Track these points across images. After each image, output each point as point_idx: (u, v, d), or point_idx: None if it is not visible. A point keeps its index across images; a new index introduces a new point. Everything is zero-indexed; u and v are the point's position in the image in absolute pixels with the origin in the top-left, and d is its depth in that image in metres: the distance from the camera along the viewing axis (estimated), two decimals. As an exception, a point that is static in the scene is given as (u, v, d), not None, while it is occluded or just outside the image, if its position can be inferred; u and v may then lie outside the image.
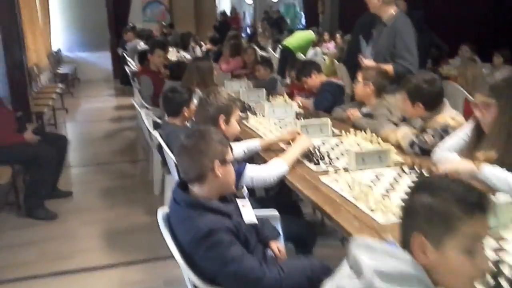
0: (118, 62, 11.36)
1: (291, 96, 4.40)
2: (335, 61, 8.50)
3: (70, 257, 3.30)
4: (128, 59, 8.76)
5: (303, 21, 21.14)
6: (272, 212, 2.33)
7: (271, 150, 2.79)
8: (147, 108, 4.82)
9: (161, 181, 4.33)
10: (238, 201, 1.91)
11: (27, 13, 7.82)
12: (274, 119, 3.61)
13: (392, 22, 3.79)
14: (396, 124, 2.99)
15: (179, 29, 13.48)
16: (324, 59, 8.73)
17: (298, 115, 3.68)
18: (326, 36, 11.07)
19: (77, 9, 12.59)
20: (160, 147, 3.31)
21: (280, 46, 10.23)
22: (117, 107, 8.70)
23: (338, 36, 10.69)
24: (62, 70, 10.54)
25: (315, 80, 4.08)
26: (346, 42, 8.21)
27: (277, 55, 10.42)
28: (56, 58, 10.99)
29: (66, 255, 3.33)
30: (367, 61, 4.01)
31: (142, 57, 5.61)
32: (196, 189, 1.80)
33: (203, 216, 1.70)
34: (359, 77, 3.46)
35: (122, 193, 4.49)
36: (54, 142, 4.12)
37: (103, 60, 12.39)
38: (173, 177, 3.05)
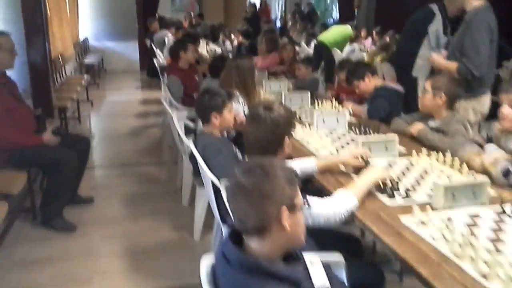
0: (146, 53, 11.00)
1: (338, 100, 3.92)
2: (377, 59, 7.97)
3: (87, 281, 2.90)
4: (157, 51, 8.37)
5: (335, 14, 20.49)
6: (336, 258, 1.86)
7: (330, 173, 2.32)
8: (177, 108, 4.40)
9: (190, 191, 3.92)
10: (306, 256, 1.44)
11: (54, 0, 7.48)
12: (323, 129, 3.12)
13: (470, 15, 3.30)
14: (480, 146, 2.48)
15: (208, 20, 13.06)
16: (363, 57, 8.19)
17: (351, 126, 3.19)
18: (363, 32, 10.48)
19: (105, -3, 12.23)
20: (192, 157, 2.87)
21: (315, 41, 9.73)
22: (143, 101, 8.32)
23: (374, 32, 10.09)
24: (88, 60, 10.23)
25: (369, 84, 3.57)
26: (394, 40, 7.64)
27: (310, 50, 9.93)
28: (83, 47, 10.68)
29: (83, 278, 2.93)
30: (436, 56, 3.51)
31: (175, 53, 5.18)
32: (255, 244, 1.33)
33: (265, 287, 1.24)
34: (428, 85, 2.94)
35: (147, 202, 4.08)
36: (76, 144, 3.72)
37: (130, 50, 12.04)
38: (212, 204, 2.60)
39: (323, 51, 8.83)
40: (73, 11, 10.04)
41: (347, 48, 8.99)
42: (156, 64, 6.88)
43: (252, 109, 1.90)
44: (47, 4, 6.77)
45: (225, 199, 2.05)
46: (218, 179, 2.40)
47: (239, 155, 2.71)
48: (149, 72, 10.08)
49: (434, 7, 4.76)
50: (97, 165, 5.04)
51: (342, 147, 2.82)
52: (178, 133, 3.46)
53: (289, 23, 14.80)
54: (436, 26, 4.69)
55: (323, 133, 3.06)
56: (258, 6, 17.25)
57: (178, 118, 3.60)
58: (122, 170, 4.90)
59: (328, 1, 24.57)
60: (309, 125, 3.20)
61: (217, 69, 4.20)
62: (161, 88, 9.05)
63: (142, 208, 3.93)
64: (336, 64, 4.58)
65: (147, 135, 6.30)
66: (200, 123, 3.15)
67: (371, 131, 3.03)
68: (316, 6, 20.65)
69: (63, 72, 7.54)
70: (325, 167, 2.33)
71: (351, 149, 2.54)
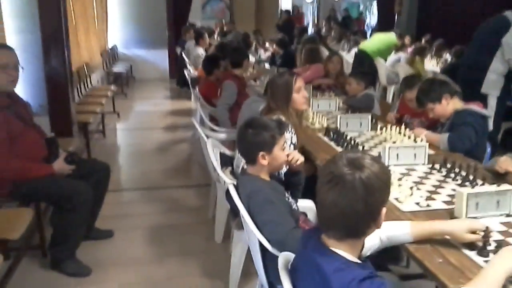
0: (175, 62, 10.58)
1: (400, 123, 3.28)
2: (428, 71, 7.27)
3: None
4: (187, 60, 7.89)
5: (371, 21, 19.72)
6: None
7: (430, 244, 1.68)
8: (213, 129, 3.84)
9: (225, 226, 3.35)
10: None
11: (80, 6, 7.08)
12: (397, 167, 2.48)
13: None
14: None
15: (239, 27, 12.57)
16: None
17: (432, 162, 2.53)
18: (407, 39, 9.73)
19: (136, 4, 11.93)
20: (230, 194, 2.28)
21: (356, 49, 9.08)
22: (172, 112, 7.82)
23: (424, 40, 9.35)
24: (116, 68, 9.85)
25: (447, 107, 2.92)
26: (454, 54, 6.93)
27: (350, 59, 9.28)
28: (111, 55, 10.32)
29: None
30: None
31: (212, 62, 4.65)
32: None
33: None
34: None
35: (175, 236, 3.52)
36: (93, 173, 3.19)
37: (159, 58, 11.66)
38: (257, 265, 2.00)
39: (364, 60, 8.20)
40: (101, 18, 9.68)
41: (392, 57, 8.31)
42: (186, 75, 6.37)
43: (330, 166, 1.25)
44: (72, 12, 6.38)
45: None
46: (269, 240, 1.82)
47: (292, 202, 2.12)
48: (179, 81, 9.65)
49: (510, 15, 4.11)
50: (120, 188, 4.53)
51: (430, 197, 2.15)
52: (212, 164, 2.89)
53: (323, 30, 14.17)
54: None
55: (398, 172, 2.42)
56: (290, 12, 16.72)
57: (214, 146, 3.03)
58: (148, 195, 4.37)
59: (361, 8, 23.88)
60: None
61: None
62: (190, 99, 8.61)
63: (169, 246, 3.37)
64: (401, 81, 3.93)
65: (176, 151, 5.78)
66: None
67: (465, 173, 2.34)
68: (350, 11, 19.98)
69: (89, 82, 7.12)
70: (423, 236, 1.68)
71: (466, 220, 1.81)
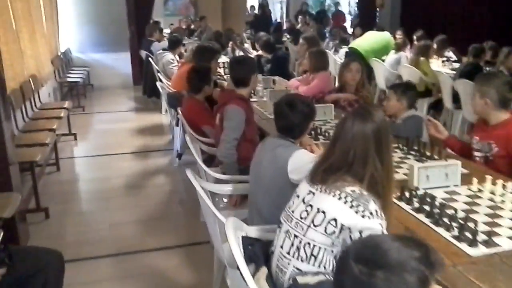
0: (140, 66, 9.30)
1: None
2: (436, 72, 6.29)
3: None
4: (155, 67, 6.67)
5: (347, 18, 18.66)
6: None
7: None
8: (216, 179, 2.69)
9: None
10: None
11: (23, 4, 5.75)
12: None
13: None
14: None
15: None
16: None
17: None
18: (398, 35, 8.69)
19: (91, 2, 10.55)
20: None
21: (346, 49, 8.04)
22: (140, 130, 6.57)
23: (415, 37, 8.37)
24: (71, 76, 8.47)
25: None
26: (472, 52, 5.95)
27: (338, 59, 8.25)
28: (65, 61, 8.94)
29: None
30: None
31: (202, 77, 3.51)
32: None
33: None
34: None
35: None
36: (40, 270, 2.01)
37: (121, 62, 10.40)
38: None
39: (357, 60, 7.21)
40: (51, 18, 8.30)
41: (391, 57, 7.32)
42: (159, 88, 5.16)
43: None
44: (11, 13, 5.06)
45: None
46: None
47: None
48: (146, 90, 8.38)
49: None
50: (78, 257, 3.29)
51: None
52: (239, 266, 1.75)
53: (299, 25, 13.10)
54: None
55: None
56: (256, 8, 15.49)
57: (231, 224, 1.87)
58: (118, 265, 3.18)
59: (328, 1, 22.92)
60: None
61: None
62: (161, 110, 7.38)
63: None
64: (477, 83, 2.90)
65: (151, 188, 4.56)
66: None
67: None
68: (314, 6, 18.97)
69: (37, 100, 5.81)
70: None
71: None
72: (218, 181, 2.81)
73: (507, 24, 9.08)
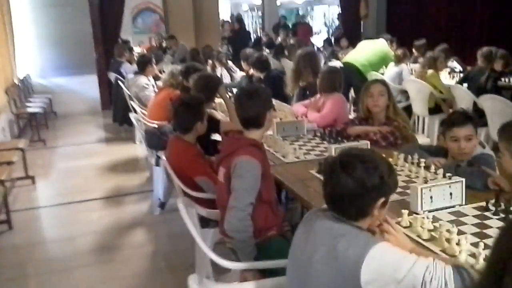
0: (109, 90, 8.36)
1: None
2: (454, 90, 5.54)
3: None
4: (127, 93, 5.75)
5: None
6: None
7: None
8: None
9: None
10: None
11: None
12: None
13: None
14: None
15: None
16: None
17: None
18: (393, 46, 7.99)
19: (53, 20, 9.56)
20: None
21: (341, 64, 7.26)
22: (112, 167, 5.59)
23: (415, 47, 7.68)
24: (31, 106, 7.43)
25: None
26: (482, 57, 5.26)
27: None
28: (23, 89, 7.90)
29: None
30: None
31: (195, 110, 2.63)
32: None
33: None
34: None
35: None
36: None
37: (87, 86, 9.41)
38: None
39: (352, 76, 6.46)
40: (5, 42, 7.29)
41: (391, 70, 6.56)
42: (134, 121, 4.23)
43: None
44: None
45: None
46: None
47: None
48: (116, 116, 7.42)
49: None
50: None
51: None
52: None
53: (279, 39, 12.32)
54: None
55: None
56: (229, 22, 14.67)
57: None
58: None
59: (301, 13, 22.37)
60: None
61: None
62: (135, 140, 6.44)
63: None
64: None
65: (129, 250, 3.61)
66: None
67: None
68: (288, 18, 18.35)
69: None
70: None
71: None
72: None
73: (498, 33, 8.54)
